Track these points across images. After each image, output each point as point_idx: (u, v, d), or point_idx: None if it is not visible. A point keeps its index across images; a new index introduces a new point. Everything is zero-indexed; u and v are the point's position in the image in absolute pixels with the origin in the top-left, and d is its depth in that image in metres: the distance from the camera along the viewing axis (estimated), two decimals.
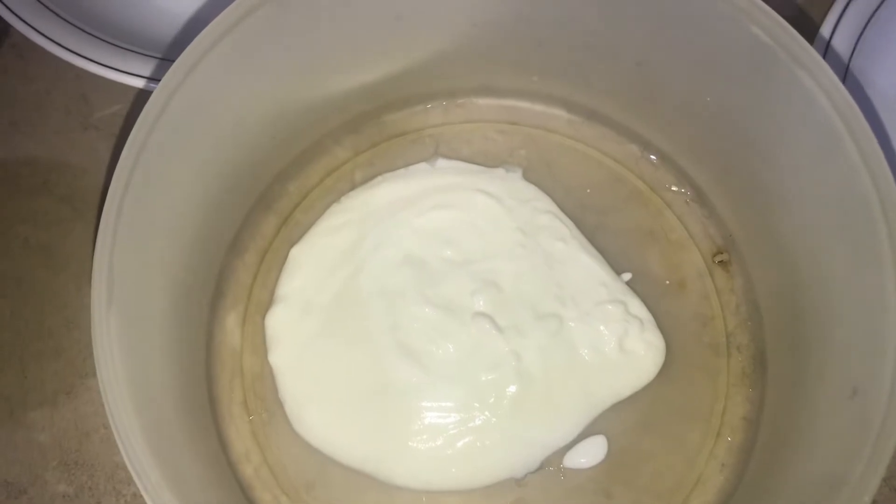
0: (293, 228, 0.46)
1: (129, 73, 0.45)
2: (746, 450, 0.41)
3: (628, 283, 0.44)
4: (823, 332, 0.37)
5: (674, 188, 0.46)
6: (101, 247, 0.33)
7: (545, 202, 0.45)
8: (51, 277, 0.46)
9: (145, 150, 0.34)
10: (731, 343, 0.43)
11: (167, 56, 0.47)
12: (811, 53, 0.34)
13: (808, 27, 0.49)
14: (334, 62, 0.42)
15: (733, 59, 0.37)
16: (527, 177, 0.46)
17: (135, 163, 0.33)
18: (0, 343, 0.45)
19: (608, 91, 0.45)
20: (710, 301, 0.44)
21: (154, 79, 0.45)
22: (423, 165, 0.47)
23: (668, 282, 0.44)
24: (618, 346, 0.41)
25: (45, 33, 0.46)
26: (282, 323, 0.43)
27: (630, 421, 0.42)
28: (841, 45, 0.48)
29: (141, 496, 0.42)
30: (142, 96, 0.48)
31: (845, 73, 0.47)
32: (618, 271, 0.44)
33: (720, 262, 0.44)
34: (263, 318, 0.43)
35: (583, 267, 0.43)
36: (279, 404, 0.42)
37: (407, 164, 0.47)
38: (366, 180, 0.47)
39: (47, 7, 0.47)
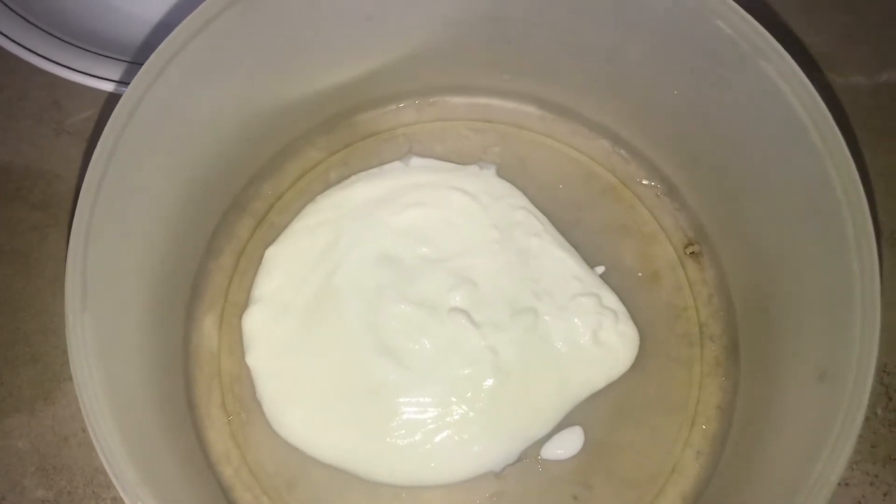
0: (268, 229, 0.46)
1: (101, 78, 0.45)
2: (721, 438, 0.42)
3: (602, 277, 0.44)
4: (793, 319, 0.38)
5: (645, 182, 0.47)
6: (73, 250, 0.33)
7: (519, 198, 0.46)
8: (26, 284, 0.46)
9: (116, 154, 0.34)
10: (703, 333, 0.44)
11: (138, 60, 0.47)
12: (774, 45, 0.35)
13: None
14: (306, 62, 0.42)
15: (698, 53, 0.38)
16: (500, 174, 0.47)
17: (105, 166, 0.33)
18: None
19: (578, 88, 0.46)
20: (682, 292, 0.45)
21: (125, 82, 0.45)
22: (397, 164, 0.47)
23: (640, 274, 0.45)
24: (592, 338, 0.42)
25: (16, 39, 0.46)
26: (259, 324, 0.43)
27: (606, 412, 0.42)
28: None
29: (120, 500, 0.42)
30: (113, 100, 0.48)
31: None
32: (592, 265, 0.44)
33: (692, 253, 0.45)
34: (240, 319, 0.44)
35: (557, 261, 0.43)
36: (258, 405, 0.42)
37: (381, 164, 0.47)
38: (340, 180, 0.47)
39: (16, 13, 0.47)
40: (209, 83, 0.38)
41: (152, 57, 0.35)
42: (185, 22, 0.35)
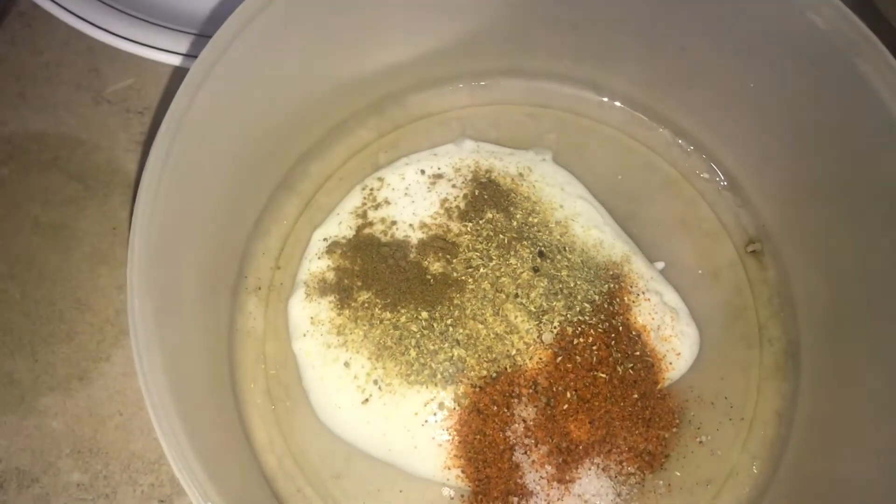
0: (315, 211, 0.44)
1: (148, 46, 0.43)
2: (780, 443, 0.40)
3: (661, 273, 0.43)
4: (866, 326, 0.37)
5: (705, 175, 0.45)
6: (139, 226, 0.31)
7: (577, 187, 0.44)
8: (62, 258, 0.44)
9: (182, 129, 0.32)
10: (762, 335, 0.42)
11: (187, 29, 0.45)
12: (871, 41, 0.33)
13: None
14: (365, 40, 0.41)
15: (783, 45, 0.36)
16: (556, 161, 0.45)
17: (171, 142, 0.32)
18: (10, 326, 0.43)
19: (644, 76, 0.44)
20: (742, 292, 0.43)
21: (172, 51, 0.43)
22: (449, 147, 0.45)
23: (700, 272, 0.44)
24: (653, 336, 0.41)
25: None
26: (305, 309, 0.42)
27: None
28: None
29: (157, 487, 0.40)
30: (153, 69, 0.46)
31: None
32: (650, 260, 0.43)
33: (752, 252, 0.44)
34: (286, 303, 0.42)
35: (618, 255, 0.42)
36: (303, 393, 0.41)
37: (432, 146, 0.46)
38: (390, 162, 0.45)
39: None
40: (273, 60, 0.37)
41: (221, 30, 0.33)
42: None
